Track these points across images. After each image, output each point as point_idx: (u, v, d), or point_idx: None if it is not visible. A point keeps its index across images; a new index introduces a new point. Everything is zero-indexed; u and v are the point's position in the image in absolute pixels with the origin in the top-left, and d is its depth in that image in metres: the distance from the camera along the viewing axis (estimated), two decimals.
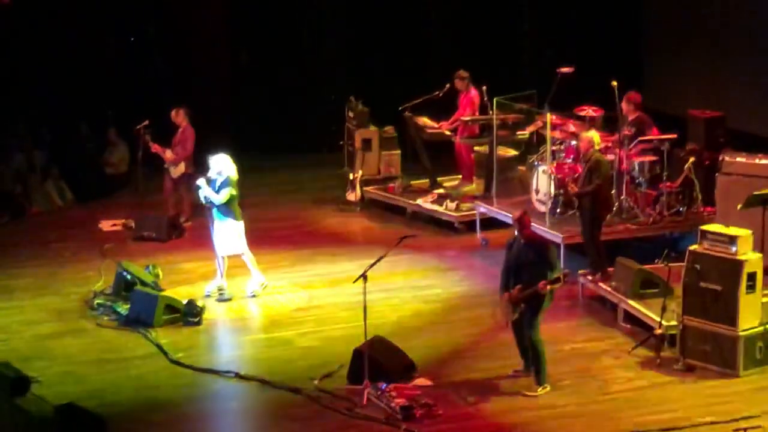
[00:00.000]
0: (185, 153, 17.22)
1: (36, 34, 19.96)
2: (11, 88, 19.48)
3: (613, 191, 15.04)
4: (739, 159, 14.60)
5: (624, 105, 15.47)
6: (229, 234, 14.37)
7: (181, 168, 17.23)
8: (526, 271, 11.76)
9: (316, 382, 12.04)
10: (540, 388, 11.86)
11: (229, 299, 14.41)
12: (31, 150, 19.40)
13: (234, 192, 14.29)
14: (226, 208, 14.31)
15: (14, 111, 19.65)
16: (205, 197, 14.32)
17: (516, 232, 12.07)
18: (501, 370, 12.33)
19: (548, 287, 11.57)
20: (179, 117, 17.26)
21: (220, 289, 14.44)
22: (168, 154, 17.19)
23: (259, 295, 14.52)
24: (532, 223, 15.35)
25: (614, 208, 15.07)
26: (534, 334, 11.84)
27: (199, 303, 13.90)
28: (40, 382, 11.94)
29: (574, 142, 15.68)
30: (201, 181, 14.35)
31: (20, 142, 19.52)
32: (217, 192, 14.26)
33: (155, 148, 17.13)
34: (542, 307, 11.81)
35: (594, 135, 14.23)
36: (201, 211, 17.79)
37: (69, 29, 20.28)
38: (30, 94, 19.76)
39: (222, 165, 14.35)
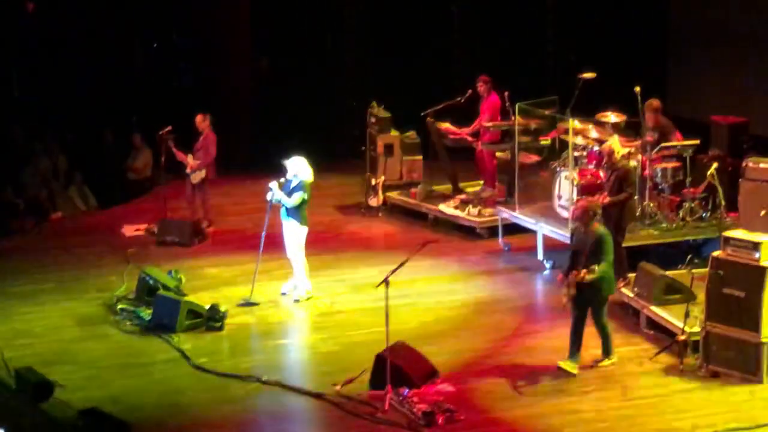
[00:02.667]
0: (208, 159, 17.26)
1: (62, 40, 20.08)
2: (37, 93, 19.60)
3: (636, 197, 15.02)
4: (762, 165, 14.53)
5: (648, 114, 15.41)
6: (289, 236, 14.45)
7: (202, 173, 17.27)
8: (584, 257, 12.24)
9: (338, 387, 12.04)
10: (607, 359, 12.51)
11: (298, 300, 14.55)
12: (56, 155, 19.51)
13: (306, 196, 14.33)
14: (294, 211, 14.38)
15: (40, 116, 19.77)
16: (275, 198, 14.37)
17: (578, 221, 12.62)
18: (524, 376, 12.31)
19: (585, 276, 12.00)
20: (204, 123, 17.29)
21: (295, 288, 14.60)
22: (190, 160, 17.24)
23: (303, 301, 14.57)
24: (555, 229, 15.50)
25: (637, 214, 15.04)
26: (601, 318, 12.45)
27: (222, 308, 13.93)
28: (63, 386, 11.98)
29: (596, 148, 15.66)
30: (273, 184, 14.39)
31: (45, 147, 19.63)
32: (290, 194, 14.33)
33: (179, 155, 17.18)
34: (606, 294, 12.38)
35: (615, 143, 14.21)
36: (223, 217, 18.01)
37: (94, 36, 20.39)
38: (55, 100, 19.87)
39: (298, 167, 14.40)
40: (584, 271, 12.01)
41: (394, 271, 11.91)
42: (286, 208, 14.42)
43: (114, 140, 20.32)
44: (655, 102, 15.52)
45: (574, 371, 12.32)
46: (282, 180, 14.45)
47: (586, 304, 12.35)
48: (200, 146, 17.30)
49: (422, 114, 17.98)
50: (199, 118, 17.30)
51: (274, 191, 14.37)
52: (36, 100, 19.47)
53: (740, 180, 14.71)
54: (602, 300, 12.41)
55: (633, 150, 15.27)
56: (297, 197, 14.31)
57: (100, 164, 19.82)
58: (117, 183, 19.75)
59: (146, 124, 19.37)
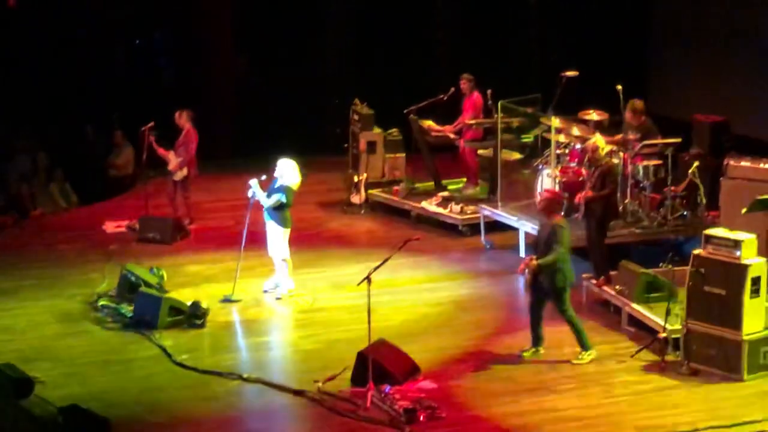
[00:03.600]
0: (188, 156, 17.23)
1: (43, 36, 20.01)
2: (17, 89, 19.52)
3: (618, 195, 15.05)
4: (743, 163, 14.59)
5: (629, 114, 15.44)
6: (272, 236, 14.45)
7: (184, 171, 17.25)
8: (540, 246, 12.50)
9: (319, 384, 12.03)
10: (586, 354, 12.56)
11: (280, 297, 14.55)
12: (37, 152, 19.44)
13: (284, 200, 14.31)
14: (275, 212, 14.36)
15: (20, 112, 19.69)
16: (255, 196, 14.36)
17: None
18: (505, 374, 12.33)
19: (533, 264, 12.30)
20: (182, 119, 17.27)
21: (277, 286, 14.63)
22: (171, 157, 17.21)
23: (285, 298, 14.56)
24: (537, 226, 15.52)
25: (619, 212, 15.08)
26: (564, 311, 12.53)
27: (203, 305, 13.90)
28: (44, 383, 11.96)
29: (578, 146, 15.69)
30: (253, 181, 14.39)
31: (26, 143, 19.56)
32: (270, 195, 14.32)
33: (160, 151, 17.15)
34: (560, 285, 12.43)
35: (599, 140, 14.25)
36: (204, 214, 17.98)
37: (76, 32, 20.33)
38: (36, 96, 19.79)
39: (285, 170, 14.38)
40: (530, 258, 12.37)
41: (376, 269, 11.91)
42: (267, 210, 14.41)
43: (95, 137, 20.26)
44: (638, 103, 15.53)
45: (528, 356, 12.63)
46: (263, 177, 14.43)
47: (543, 293, 12.52)
48: (181, 143, 17.27)
49: (405, 111, 17.99)
50: (176, 115, 17.28)
51: (255, 189, 14.36)
52: (15, 96, 19.36)
53: (721, 178, 14.77)
54: (558, 291, 12.46)
55: (614, 148, 15.29)
56: (274, 199, 14.29)
57: (81, 161, 19.76)
58: (98, 180, 19.69)
59: (128, 121, 19.32)
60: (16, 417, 11.13)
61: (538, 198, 15.93)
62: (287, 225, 14.48)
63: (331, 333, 13.58)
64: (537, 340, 12.70)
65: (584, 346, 12.62)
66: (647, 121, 15.56)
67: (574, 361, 12.53)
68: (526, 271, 12.46)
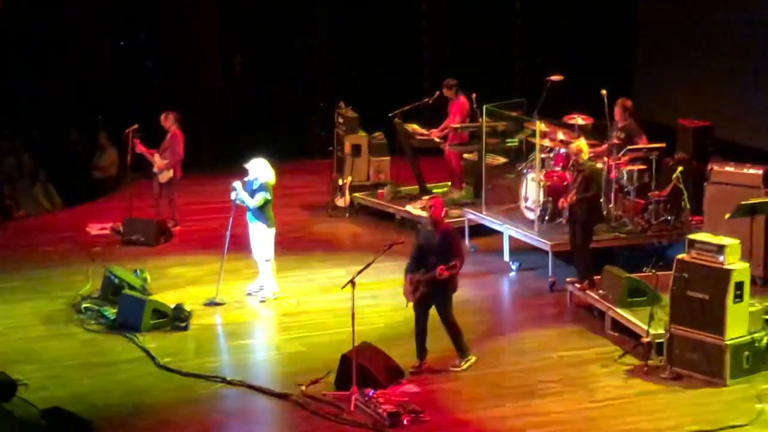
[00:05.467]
0: (174, 158, 17.22)
1: (27, 37, 19.96)
2: (1, 90, 19.47)
3: (602, 199, 15.09)
4: (727, 168, 14.65)
5: (618, 111, 15.51)
6: (257, 238, 14.44)
7: (170, 173, 17.24)
8: (432, 255, 12.18)
9: (303, 388, 12.02)
10: (464, 362, 12.47)
11: (263, 300, 14.55)
12: (21, 153, 19.39)
13: (268, 197, 14.31)
14: (259, 213, 14.36)
15: (4, 114, 19.64)
16: (239, 199, 14.34)
17: (427, 218, 12.55)
18: (489, 377, 12.34)
19: (445, 273, 12.01)
20: (168, 121, 17.26)
21: (261, 289, 14.62)
22: (157, 159, 17.19)
23: (269, 301, 14.55)
24: (521, 230, 15.56)
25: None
26: (447, 317, 12.41)
27: (187, 308, 13.88)
28: (26, 385, 11.91)
29: (563, 150, 15.72)
30: (236, 183, 14.38)
31: (10, 145, 19.51)
32: (252, 195, 14.30)
33: (140, 148, 17.11)
34: (448, 294, 12.36)
35: (582, 144, 14.27)
36: (189, 216, 17.97)
37: (60, 33, 20.29)
38: (20, 98, 19.75)
39: (259, 169, 14.36)
40: (440, 267, 12.01)
41: (360, 272, 11.90)
42: (251, 211, 14.40)
43: (79, 138, 20.22)
44: (628, 102, 15.61)
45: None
46: (245, 179, 14.44)
47: (431, 302, 12.41)
48: (167, 145, 17.26)
49: (390, 115, 17.99)
50: (162, 117, 17.27)
51: (238, 191, 14.36)
52: (0, 98, 19.32)
53: (705, 183, 14.82)
54: (448, 298, 12.42)
55: (599, 153, 15.34)
56: (259, 198, 14.29)
57: (65, 163, 19.72)
58: (82, 181, 19.65)
59: (112, 123, 19.28)
60: None
61: (523, 203, 16.00)
62: (272, 224, 14.48)
63: (315, 336, 13.58)
64: (423, 353, 12.57)
65: (463, 351, 12.54)
66: (633, 123, 15.61)
67: (457, 368, 12.48)
68: (416, 284, 12.20)
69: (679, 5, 20.17)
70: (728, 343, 12.04)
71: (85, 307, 14.26)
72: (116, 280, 14.36)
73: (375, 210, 18.08)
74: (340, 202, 18.29)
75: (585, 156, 14.15)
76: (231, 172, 15.04)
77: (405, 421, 11.26)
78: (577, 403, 11.80)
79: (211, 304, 14.41)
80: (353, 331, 11.78)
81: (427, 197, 17.63)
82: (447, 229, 12.44)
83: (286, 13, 21.45)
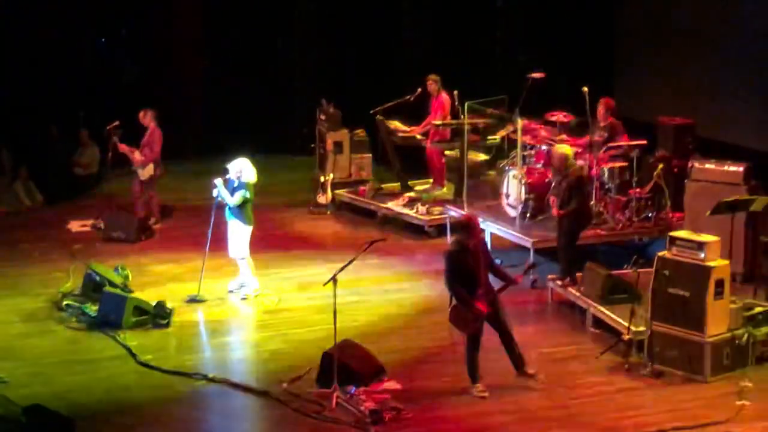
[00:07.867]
0: (153, 155, 17.19)
1: (6, 33, 19.88)
2: None
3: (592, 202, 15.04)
4: (708, 166, 14.68)
5: (600, 110, 15.55)
6: (234, 236, 14.44)
7: (150, 170, 17.21)
8: (483, 270, 11.86)
9: (285, 385, 12.02)
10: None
11: (245, 298, 14.54)
12: (1, 150, 19.31)
13: (248, 195, 14.30)
14: (237, 210, 14.36)
15: None
16: (220, 196, 14.33)
17: (466, 237, 11.89)
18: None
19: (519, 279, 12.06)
20: (147, 118, 17.24)
21: (242, 286, 14.62)
22: (136, 156, 17.17)
23: (250, 298, 14.55)
24: (503, 227, 15.59)
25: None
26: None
27: (168, 305, 13.86)
28: (7, 383, 11.89)
29: (544, 147, 15.75)
30: (218, 181, 14.37)
31: None
32: (232, 194, 14.29)
33: (122, 147, 17.09)
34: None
35: (567, 149, 14.14)
36: (170, 213, 17.94)
37: (41, 29, 20.21)
38: (0, 94, 19.67)
39: (241, 169, 14.35)
40: (518, 275, 11.97)
41: (341, 269, 11.90)
42: (230, 208, 14.40)
43: (60, 135, 20.15)
44: (610, 101, 15.66)
45: None
46: (227, 177, 14.43)
47: (499, 308, 12.18)
48: (146, 142, 17.23)
49: (372, 112, 18.00)
50: (140, 114, 17.24)
51: (219, 188, 14.35)
52: None
53: (686, 181, 14.86)
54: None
55: (580, 150, 15.35)
56: (239, 196, 14.29)
57: (46, 159, 19.64)
58: (63, 179, 19.58)
59: (93, 120, 19.22)
60: None
61: (504, 200, 16.02)
62: (250, 222, 14.48)
63: (296, 333, 13.57)
64: (519, 360, 12.40)
65: None
66: (615, 122, 15.65)
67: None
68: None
69: (659, 3, 20.21)
70: (709, 340, 12.08)
71: (66, 305, 14.22)
72: (97, 278, 14.33)
73: (357, 207, 18.09)
74: (322, 199, 18.28)
75: (569, 161, 13.96)
76: (211, 170, 15.01)
77: (387, 418, 11.26)
78: (558, 400, 11.81)
79: (193, 301, 14.40)
80: (335, 328, 11.77)
81: (408, 194, 17.74)
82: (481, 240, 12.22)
83: (267, 9, 21.42)
